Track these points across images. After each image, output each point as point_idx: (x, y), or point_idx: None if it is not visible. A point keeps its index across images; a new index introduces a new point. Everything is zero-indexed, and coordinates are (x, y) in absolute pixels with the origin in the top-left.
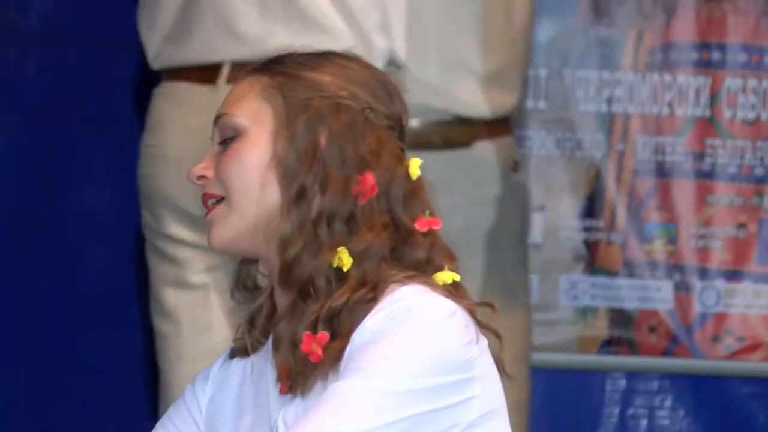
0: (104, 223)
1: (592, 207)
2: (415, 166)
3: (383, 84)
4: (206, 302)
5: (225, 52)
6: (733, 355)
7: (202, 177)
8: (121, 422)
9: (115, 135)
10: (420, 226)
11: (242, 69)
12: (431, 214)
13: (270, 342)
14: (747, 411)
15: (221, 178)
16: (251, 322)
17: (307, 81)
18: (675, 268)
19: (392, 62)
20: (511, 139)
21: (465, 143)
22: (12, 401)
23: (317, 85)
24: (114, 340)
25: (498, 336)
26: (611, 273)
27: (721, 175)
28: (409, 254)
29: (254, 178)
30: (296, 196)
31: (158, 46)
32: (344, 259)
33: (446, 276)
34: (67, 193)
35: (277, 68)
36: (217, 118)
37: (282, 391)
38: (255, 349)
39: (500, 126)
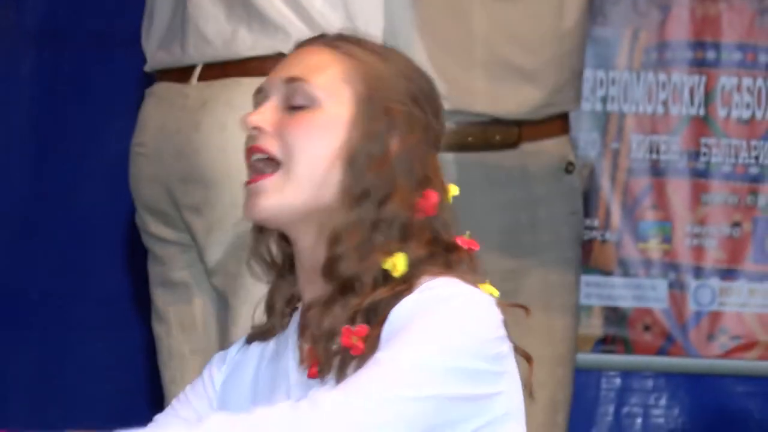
0: (100, 223)
1: (586, 206)
2: (454, 191)
3: (437, 99)
4: (189, 299)
5: (196, 54)
6: (728, 354)
7: (258, 128)
8: (121, 423)
9: (112, 135)
10: (463, 243)
11: (212, 68)
12: (470, 236)
13: (292, 326)
14: (742, 409)
15: (288, 142)
16: (270, 307)
17: (389, 83)
18: (670, 266)
19: None
20: (566, 139)
21: (510, 144)
22: (14, 402)
23: (398, 92)
24: (115, 343)
25: (528, 358)
26: (606, 272)
27: (715, 173)
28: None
29: (322, 157)
30: (360, 196)
31: (152, 54)
32: (399, 266)
33: (489, 289)
34: (64, 194)
35: (357, 53)
36: (289, 79)
37: (311, 375)
38: (275, 333)
39: (552, 126)
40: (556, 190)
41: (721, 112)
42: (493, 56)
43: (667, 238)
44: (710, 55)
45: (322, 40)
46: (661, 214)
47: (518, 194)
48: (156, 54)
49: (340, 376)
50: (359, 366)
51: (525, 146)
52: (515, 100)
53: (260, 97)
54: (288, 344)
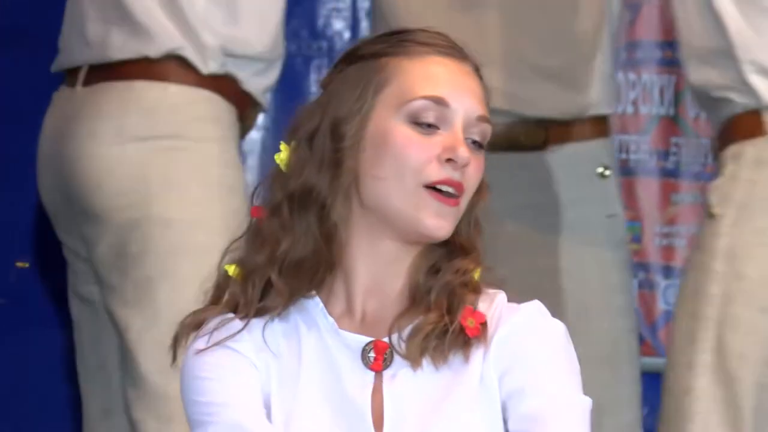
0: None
1: None
2: None
3: None
4: (96, 315)
5: (79, 57)
6: None
7: (466, 166)
8: (44, 421)
9: None
10: None
11: (93, 72)
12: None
13: (320, 318)
14: None
15: (468, 183)
16: (290, 297)
17: None
18: (639, 266)
19: (257, 57)
20: (603, 142)
21: (537, 146)
22: None
23: None
24: (30, 343)
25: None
26: None
27: (685, 173)
28: None
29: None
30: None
31: (59, 55)
32: (477, 275)
33: None
34: (18, 193)
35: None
36: (482, 118)
37: (376, 368)
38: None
39: (583, 129)
40: (588, 194)
41: (691, 112)
42: (510, 54)
43: (636, 238)
44: (680, 55)
45: (471, 63)
46: (631, 214)
47: (540, 197)
48: (59, 55)
49: (439, 356)
50: (465, 351)
51: (553, 149)
52: (539, 100)
53: (443, 111)
54: (320, 336)
